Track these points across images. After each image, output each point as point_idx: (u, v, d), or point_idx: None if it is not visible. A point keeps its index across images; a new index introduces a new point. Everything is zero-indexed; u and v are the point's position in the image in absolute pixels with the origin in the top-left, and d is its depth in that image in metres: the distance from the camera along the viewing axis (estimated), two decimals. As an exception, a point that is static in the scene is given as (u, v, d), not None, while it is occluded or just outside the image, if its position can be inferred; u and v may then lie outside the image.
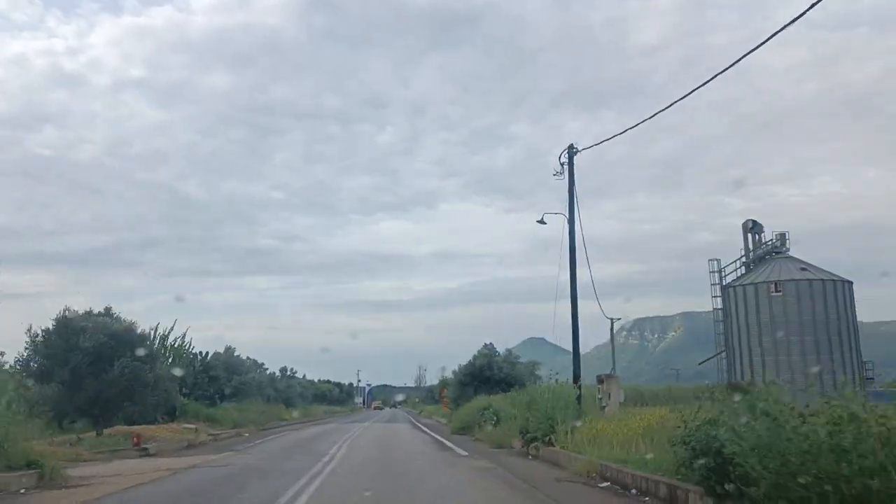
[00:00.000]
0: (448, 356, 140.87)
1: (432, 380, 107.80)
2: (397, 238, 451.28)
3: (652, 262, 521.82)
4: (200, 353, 34.61)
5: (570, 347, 18.82)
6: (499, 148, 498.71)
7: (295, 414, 54.96)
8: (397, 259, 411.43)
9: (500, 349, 44.16)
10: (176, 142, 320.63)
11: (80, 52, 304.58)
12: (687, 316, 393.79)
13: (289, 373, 66.46)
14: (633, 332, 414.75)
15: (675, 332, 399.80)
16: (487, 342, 44.46)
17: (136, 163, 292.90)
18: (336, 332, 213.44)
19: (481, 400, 27.35)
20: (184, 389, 33.10)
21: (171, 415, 29.82)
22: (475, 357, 44.32)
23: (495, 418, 21.42)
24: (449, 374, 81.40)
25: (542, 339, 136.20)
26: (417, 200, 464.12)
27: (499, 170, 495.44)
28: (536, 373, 43.23)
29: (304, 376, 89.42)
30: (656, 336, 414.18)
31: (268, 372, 62.00)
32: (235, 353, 46.97)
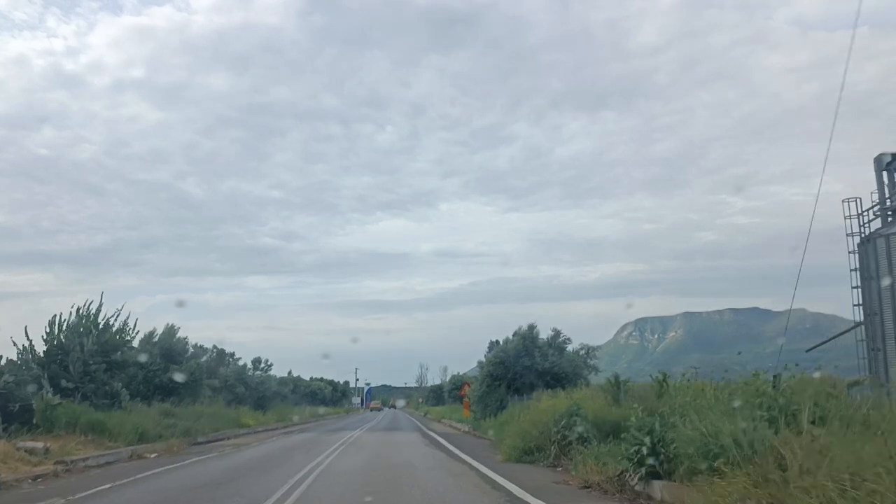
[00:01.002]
0: (449, 356, 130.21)
1: (434, 379, 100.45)
2: (397, 237, 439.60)
3: (653, 261, 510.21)
4: (93, 326, 22.15)
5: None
6: (499, 148, 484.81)
7: (269, 417, 43.27)
8: (397, 258, 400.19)
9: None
10: (175, 141, 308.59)
11: (79, 51, 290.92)
12: (687, 316, 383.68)
13: (262, 366, 53.40)
14: (634, 333, 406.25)
15: (676, 332, 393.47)
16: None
17: (135, 162, 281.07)
18: (335, 332, 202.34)
19: (561, 400, 15.10)
20: (64, 382, 21.02)
21: (28, 423, 17.87)
22: (506, 341, 32.12)
23: (642, 444, 8.97)
24: (451, 375, 70.03)
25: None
26: (418, 200, 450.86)
27: (499, 169, 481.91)
28: (591, 362, 31.15)
29: (290, 372, 77.45)
30: (656, 336, 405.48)
31: (240, 363, 49.96)
32: (179, 336, 34.89)
